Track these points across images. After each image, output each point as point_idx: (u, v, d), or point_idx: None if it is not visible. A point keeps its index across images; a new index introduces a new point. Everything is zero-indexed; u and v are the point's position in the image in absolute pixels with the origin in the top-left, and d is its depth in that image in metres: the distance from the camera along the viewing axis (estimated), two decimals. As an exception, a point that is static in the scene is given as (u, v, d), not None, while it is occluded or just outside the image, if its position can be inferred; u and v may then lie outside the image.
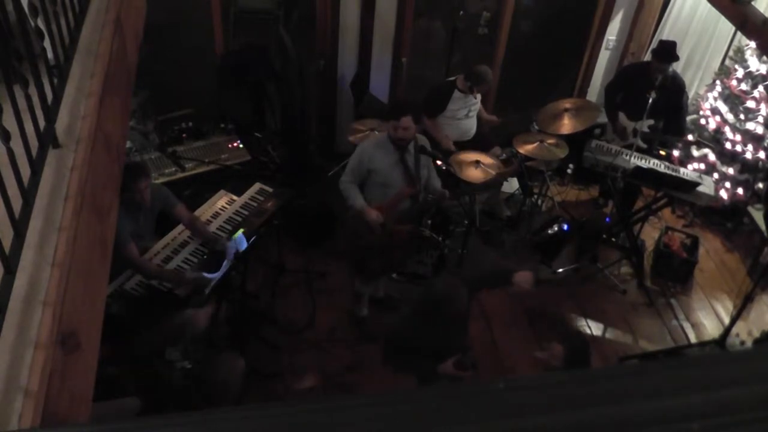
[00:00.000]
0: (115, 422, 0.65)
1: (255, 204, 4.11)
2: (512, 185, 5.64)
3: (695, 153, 5.48)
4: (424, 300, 3.21)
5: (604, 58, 6.11)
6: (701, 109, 5.62)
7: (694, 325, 4.84)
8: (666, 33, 5.72)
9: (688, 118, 5.53)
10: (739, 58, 5.29)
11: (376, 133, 4.64)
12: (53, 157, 1.55)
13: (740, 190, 5.33)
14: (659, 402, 0.66)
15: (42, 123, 1.52)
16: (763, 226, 5.03)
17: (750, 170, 5.28)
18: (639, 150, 4.93)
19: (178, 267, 3.57)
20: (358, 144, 4.09)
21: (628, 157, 4.82)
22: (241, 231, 3.73)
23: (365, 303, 4.52)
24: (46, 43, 1.62)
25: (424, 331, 3.15)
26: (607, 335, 4.74)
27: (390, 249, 4.02)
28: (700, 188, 4.60)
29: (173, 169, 4.43)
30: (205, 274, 3.43)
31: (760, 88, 5.05)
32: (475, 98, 5.04)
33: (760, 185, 5.26)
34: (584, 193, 6.06)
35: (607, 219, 5.23)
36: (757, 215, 5.31)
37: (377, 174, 3.83)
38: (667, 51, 4.87)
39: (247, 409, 0.69)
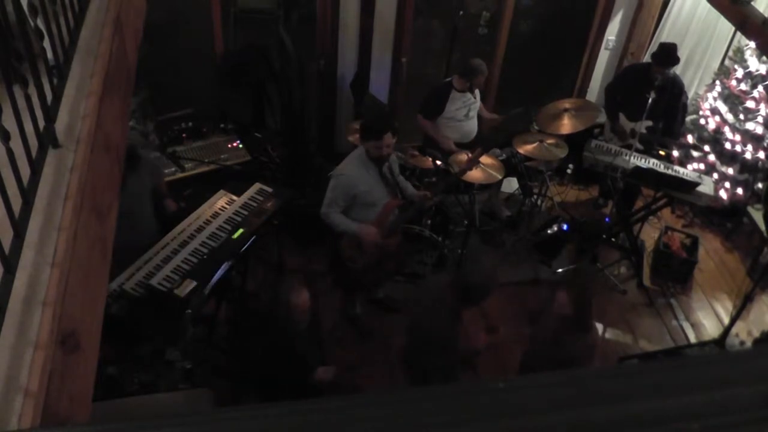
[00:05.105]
0: (115, 422, 0.65)
1: (255, 204, 4.10)
2: (512, 185, 5.64)
3: (694, 154, 5.49)
4: (470, 285, 3.18)
5: (603, 58, 6.11)
6: (701, 109, 5.62)
7: (694, 325, 4.84)
8: (666, 33, 5.72)
9: (688, 118, 5.53)
10: (739, 58, 5.29)
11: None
12: (53, 157, 1.54)
13: (740, 190, 5.33)
14: (659, 402, 0.66)
15: (42, 123, 1.52)
16: (763, 226, 5.02)
17: (750, 170, 5.28)
18: (637, 151, 4.93)
19: (178, 267, 3.57)
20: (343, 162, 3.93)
21: (627, 157, 4.81)
22: (241, 230, 3.73)
23: (356, 300, 4.52)
24: (46, 43, 1.62)
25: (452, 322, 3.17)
26: (607, 335, 4.74)
27: (382, 263, 4.02)
28: (700, 188, 4.60)
29: (173, 169, 4.44)
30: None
31: (760, 88, 5.05)
32: (474, 98, 5.03)
33: (760, 185, 5.26)
34: (584, 193, 6.06)
35: (607, 219, 5.23)
36: (757, 215, 5.31)
37: (363, 196, 3.77)
38: (667, 54, 4.83)
39: (246, 409, 0.69)
